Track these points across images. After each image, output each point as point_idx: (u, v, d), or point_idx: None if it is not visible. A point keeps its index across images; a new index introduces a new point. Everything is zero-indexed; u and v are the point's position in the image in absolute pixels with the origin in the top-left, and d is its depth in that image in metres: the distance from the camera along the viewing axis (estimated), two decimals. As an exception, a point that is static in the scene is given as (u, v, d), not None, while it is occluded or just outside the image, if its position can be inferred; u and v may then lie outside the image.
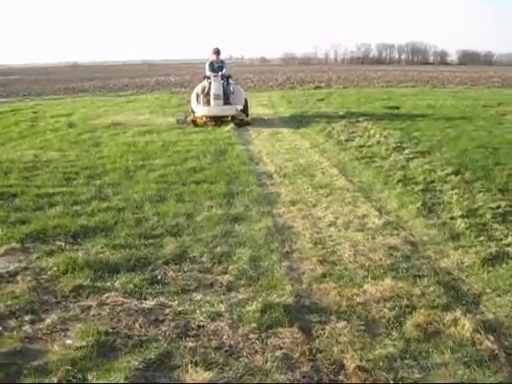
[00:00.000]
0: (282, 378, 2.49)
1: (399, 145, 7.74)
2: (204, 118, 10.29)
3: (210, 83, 10.40)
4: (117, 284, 3.49)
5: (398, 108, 12.66)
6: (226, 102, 10.42)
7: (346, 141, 8.29)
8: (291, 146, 8.17)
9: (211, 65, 10.84)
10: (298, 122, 11.13)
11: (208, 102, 10.42)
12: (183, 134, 9.30)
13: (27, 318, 3.10)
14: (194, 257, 3.94)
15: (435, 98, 15.40)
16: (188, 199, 5.35)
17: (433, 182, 5.81)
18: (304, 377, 2.52)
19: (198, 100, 10.67)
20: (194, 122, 10.24)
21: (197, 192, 5.56)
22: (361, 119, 10.57)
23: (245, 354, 2.71)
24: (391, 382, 2.48)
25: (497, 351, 2.65)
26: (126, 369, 2.52)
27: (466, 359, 2.61)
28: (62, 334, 2.93)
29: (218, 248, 4.07)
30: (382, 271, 3.65)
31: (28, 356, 2.70)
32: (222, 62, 10.96)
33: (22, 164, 7.02)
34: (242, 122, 10.34)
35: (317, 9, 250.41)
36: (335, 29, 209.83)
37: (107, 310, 3.17)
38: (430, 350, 2.72)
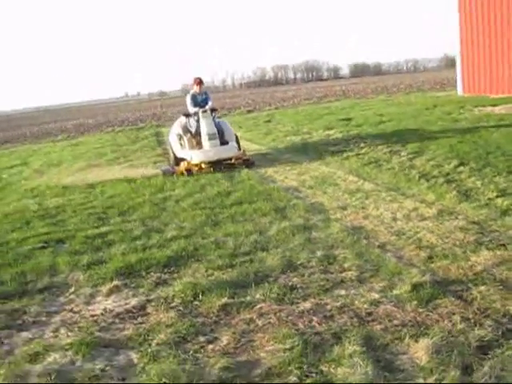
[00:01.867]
0: (480, 332, 2.94)
1: (391, 149, 8.57)
2: (203, 165, 8.51)
3: (197, 121, 8.92)
4: (258, 296, 3.76)
5: (350, 119, 13.70)
6: (222, 141, 8.86)
7: (339, 151, 9.00)
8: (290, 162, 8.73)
9: (194, 98, 9.27)
10: (272, 141, 11.70)
11: (199, 144, 8.88)
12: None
13: (202, 339, 3.26)
14: (302, 263, 4.29)
15: (374, 108, 16.77)
16: (242, 219, 5.66)
17: (448, 174, 6.61)
18: (493, 320, 3.02)
19: (181, 143, 9.14)
20: (189, 171, 8.36)
21: (246, 212, 5.88)
22: (331, 132, 11.41)
23: (430, 323, 3.13)
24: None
25: None
26: (357, 353, 2.85)
27: None
28: (253, 343, 3.15)
29: (318, 253, 4.45)
30: (473, 246, 4.25)
31: (248, 366, 2.92)
32: (205, 93, 9.52)
33: (32, 213, 6.91)
34: (248, 162, 8.68)
35: (211, 37, 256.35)
36: (230, 56, 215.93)
37: (273, 318, 3.43)
38: None
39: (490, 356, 2.72)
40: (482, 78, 16.94)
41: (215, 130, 8.70)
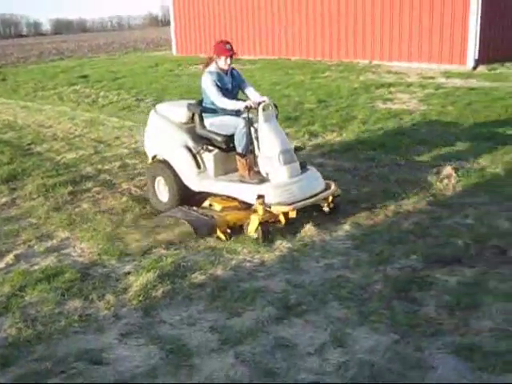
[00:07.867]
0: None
1: (136, 98, 11.64)
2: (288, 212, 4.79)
3: (246, 127, 4.95)
4: (90, 185, 6.43)
5: (87, 76, 16.00)
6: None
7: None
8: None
9: (220, 80, 5.13)
10: (25, 96, 13.32)
11: (250, 169, 5.01)
12: None
13: (69, 207, 5.81)
14: (107, 169, 7.08)
15: (104, 66, 19.16)
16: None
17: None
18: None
19: (198, 165, 5.27)
20: (267, 229, 4.61)
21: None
22: (77, 87, 13.73)
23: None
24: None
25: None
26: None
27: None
28: (104, 203, 5.87)
29: (116, 163, 7.29)
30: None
31: (110, 211, 5.70)
32: (234, 72, 5.33)
33: None
34: (337, 199, 5.16)
35: None
36: None
37: (106, 193, 6.16)
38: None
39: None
40: (193, 40, 20.90)
41: (291, 145, 5.22)
